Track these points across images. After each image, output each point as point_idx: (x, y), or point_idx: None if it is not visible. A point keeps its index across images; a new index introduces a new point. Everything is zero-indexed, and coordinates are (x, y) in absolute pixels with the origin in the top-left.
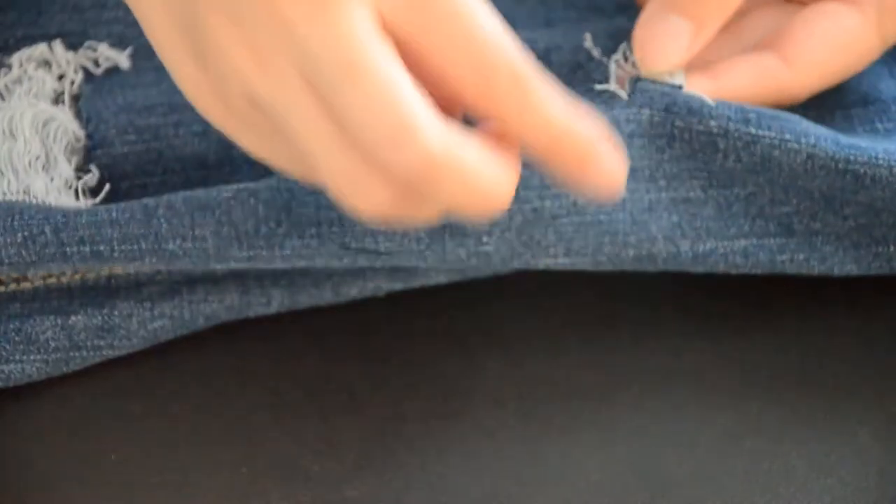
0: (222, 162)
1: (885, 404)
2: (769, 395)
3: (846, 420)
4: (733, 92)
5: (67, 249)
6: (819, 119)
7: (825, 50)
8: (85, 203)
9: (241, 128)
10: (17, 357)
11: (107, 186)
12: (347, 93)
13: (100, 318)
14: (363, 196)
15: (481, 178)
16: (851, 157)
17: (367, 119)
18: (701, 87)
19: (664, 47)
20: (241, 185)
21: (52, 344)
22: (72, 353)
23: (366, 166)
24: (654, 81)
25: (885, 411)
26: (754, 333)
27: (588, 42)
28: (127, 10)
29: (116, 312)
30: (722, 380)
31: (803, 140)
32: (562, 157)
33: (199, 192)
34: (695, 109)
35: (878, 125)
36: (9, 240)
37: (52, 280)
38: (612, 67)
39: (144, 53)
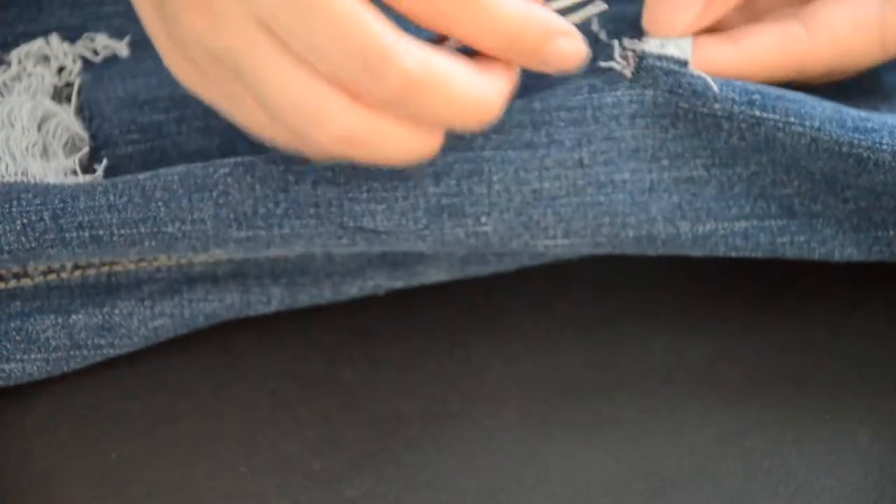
0: (226, 157)
1: (885, 404)
2: (769, 395)
3: (846, 420)
4: (754, 57)
5: (66, 235)
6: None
7: (847, 27)
8: (83, 178)
9: (212, 89)
10: (18, 356)
11: (104, 162)
12: (315, 34)
13: (100, 316)
14: (330, 124)
15: (465, 88)
16: (855, 141)
17: (340, 54)
18: (722, 53)
19: (675, 13)
20: (238, 159)
21: (53, 343)
22: (72, 352)
23: (326, 94)
24: (659, 56)
25: (885, 411)
26: (754, 333)
27: (595, 26)
28: (127, 5)
29: (117, 311)
30: (722, 380)
31: (808, 123)
32: (520, 53)
33: (197, 170)
34: (699, 92)
35: (881, 106)
36: (8, 227)
37: (53, 276)
38: (616, 47)
39: (144, 43)
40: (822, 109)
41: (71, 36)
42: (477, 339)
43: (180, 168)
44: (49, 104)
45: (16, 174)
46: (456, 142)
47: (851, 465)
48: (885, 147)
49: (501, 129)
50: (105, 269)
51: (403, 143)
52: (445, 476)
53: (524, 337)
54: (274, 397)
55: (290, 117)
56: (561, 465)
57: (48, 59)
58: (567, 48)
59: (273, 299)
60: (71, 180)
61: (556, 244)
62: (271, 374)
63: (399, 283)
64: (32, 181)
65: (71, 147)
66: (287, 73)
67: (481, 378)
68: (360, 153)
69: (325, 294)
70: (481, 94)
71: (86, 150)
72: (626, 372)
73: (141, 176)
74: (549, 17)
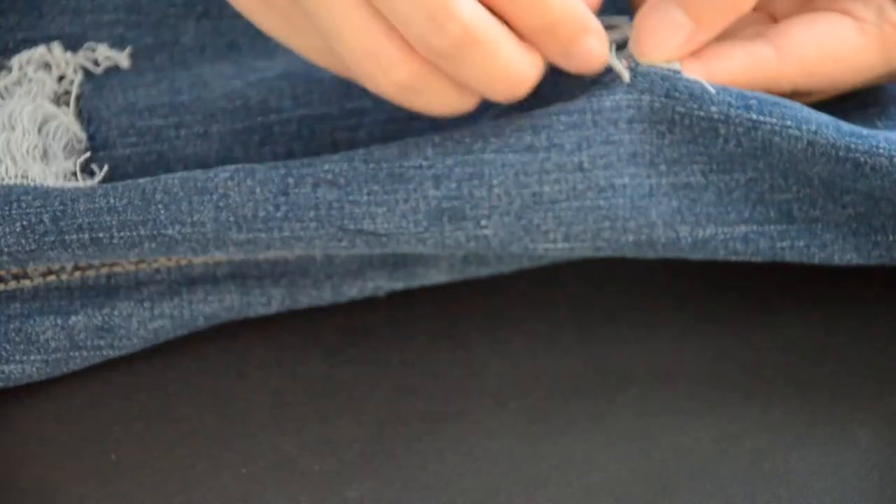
0: (224, 162)
1: (885, 405)
2: (769, 395)
3: (847, 421)
4: (722, 77)
5: (66, 237)
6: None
7: (815, 51)
8: (84, 183)
9: (278, 22)
10: (18, 357)
11: (105, 168)
12: None
13: (100, 318)
14: (387, 72)
15: (509, 55)
16: (852, 146)
17: (408, 2)
18: (691, 71)
19: (661, 39)
20: (239, 166)
21: (53, 344)
22: (72, 354)
23: (391, 44)
24: (652, 65)
25: (886, 412)
26: (755, 333)
27: None
28: (127, 12)
29: (116, 312)
30: (722, 380)
31: (804, 127)
32: (554, 40)
33: (197, 173)
34: (696, 95)
35: (878, 122)
36: (7, 229)
37: (53, 278)
38: (613, 49)
39: (145, 54)
40: (818, 115)
41: (71, 44)
42: (477, 340)
43: (181, 173)
44: (49, 107)
45: (16, 177)
46: (455, 146)
47: (852, 467)
48: (881, 151)
49: (501, 132)
50: (104, 270)
51: (448, 99)
52: (445, 476)
53: (524, 337)
54: (274, 398)
55: (359, 65)
56: (561, 465)
57: (49, 66)
58: (595, 48)
59: (273, 301)
60: (71, 184)
61: (556, 248)
62: (271, 374)
63: (399, 285)
64: (32, 184)
65: (70, 149)
66: (359, 25)
67: (481, 378)
68: (415, 102)
69: (325, 295)
70: (521, 63)
71: (86, 154)
72: (626, 372)
73: (141, 179)
74: (587, 13)
